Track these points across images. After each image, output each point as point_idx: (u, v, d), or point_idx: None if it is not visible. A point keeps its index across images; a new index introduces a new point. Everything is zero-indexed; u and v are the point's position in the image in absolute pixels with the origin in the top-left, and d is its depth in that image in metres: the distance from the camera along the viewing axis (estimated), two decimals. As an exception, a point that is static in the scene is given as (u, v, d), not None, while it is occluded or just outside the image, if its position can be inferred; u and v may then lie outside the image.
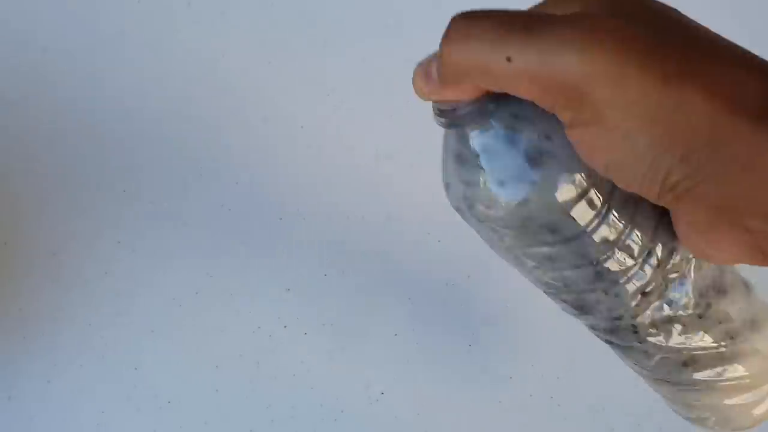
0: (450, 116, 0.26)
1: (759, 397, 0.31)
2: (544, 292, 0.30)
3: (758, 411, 0.32)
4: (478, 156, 0.26)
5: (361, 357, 0.50)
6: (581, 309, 0.29)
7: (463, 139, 0.26)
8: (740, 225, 0.22)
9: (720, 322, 0.29)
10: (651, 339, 0.29)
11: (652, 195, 0.23)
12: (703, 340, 0.29)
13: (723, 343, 0.30)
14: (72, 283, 0.51)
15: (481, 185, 0.26)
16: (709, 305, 0.29)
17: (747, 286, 0.31)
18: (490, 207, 0.26)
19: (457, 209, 0.28)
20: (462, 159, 0.26)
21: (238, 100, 0.55)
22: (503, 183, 0.25)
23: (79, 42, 0.56)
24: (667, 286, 0.28)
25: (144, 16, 0.57)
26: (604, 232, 0.26)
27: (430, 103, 0.54)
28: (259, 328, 0.50)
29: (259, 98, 0.55)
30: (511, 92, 0.23)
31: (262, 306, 0.51)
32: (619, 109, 0.21)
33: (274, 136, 0.54)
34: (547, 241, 0.26)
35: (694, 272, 0.28)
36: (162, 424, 0.48)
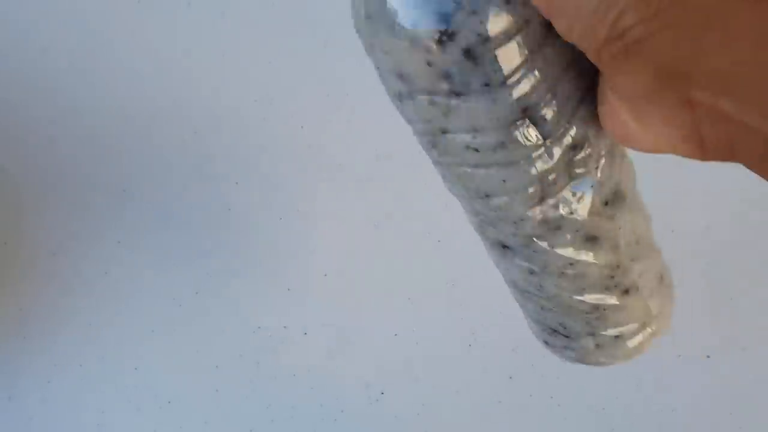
0: None
1: (634, 329, 0.29)
2: (432, 159, 0.26)
3: (632, 343, 0.29)
4: None
5: (361, 357, 0.50)
6: (468, 186, 0.25)
7: None
8: (684, 97, 0.19)
9: (610, 241, 0.26)
10: (538, 241, 0.25)
11: (595, 42, 0.19)
12: (589, 256, 0.26)
13: (608, 265, 0.27)
14: (72, 283, 0.51)
15: (394, 9, 0.21)
16: (603, 217, 0.25)
17: (646, 213, 0.28)
18: (400, 34, 0.21)
19: (359, 30, 0.23)
20: None
21: (238, 100, 0.55)
22: (419, 8, 0.20)
23: (79, 42, 0.56)
24: (569, 181, 0.24)
25: (144, 16, 0.57)
26: (524, 89, 0.21)
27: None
28: (259, 328, 0.50)
29: (259, 98, 0.55)
30: None
31: (262, 306, 0.51)
32: None
33: (274, 136, 0.54)
34: (456, 87, 0.21)
35: (601, 174, 0.24)
36: (162, 424, 0.48)
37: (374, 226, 0.52)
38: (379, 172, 0.53)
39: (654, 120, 0.20)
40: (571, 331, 0.29)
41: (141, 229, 0.52)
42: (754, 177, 0.23)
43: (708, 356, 0.48)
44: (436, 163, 0.25)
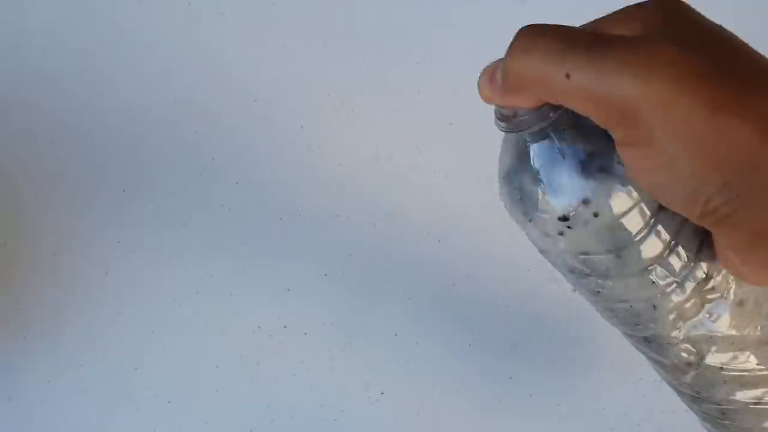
0: (510, 121, 0.27)
1: None
2: (587, 299, 0.31)
3: None
4: (534, 163, 0.27)
5: (361, 357, 0.50)
6: (620, 318, 0.30)
7: (522, 145, 0.27)
8: None
9: (757, 345, 0.30)
10: (684, 355, 0.30)
11: (693, 217, 0.24)
12: (737, 360, 0.30)
13: (760, 366, 0.31)
14: (72, 283, 0.51)
15: (537, 192, 0.27)
16: (745, 327, 0.30)
17: None
18: (545, 213, 0.27)
19: (511, 213, 0.29)
20: (519, 164, 0.27)
21: (238, 100, 0.55)
22: (558, 192, 0.26)
23: (79, 42, 0.56)
24: (704, 305, 0.28)
25: (144, 16, 0.57)
26: (651, 244, 0.27)
27: (428, 105, 0.54)
28: (259, 328, 0.50)
29: (259, 98, 0.55)
30: (568, 106, 0.25)
31: (262, 306, 0.51)
32: (667, 134, 0.23)
33: (274, 136, 0.54)
34: (596, 250, 0.27)
35: (734, 294, 0.29)
36: (162, 424, 0.48)
37: (374, 226, 0.52)
38: (379, 172, 0.53)
39: (756, 264, 0.25)
40: (739, 425, 0.33)
41: (141, 229, 0.52)
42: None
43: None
44: (590, 300, 0.31)
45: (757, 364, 0.30)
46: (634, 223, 0.26)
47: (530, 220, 0.28)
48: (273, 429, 0.48)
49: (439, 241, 0.52)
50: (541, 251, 0.30)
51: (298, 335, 0.50)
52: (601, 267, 0.28)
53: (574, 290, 0.31)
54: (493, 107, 0.28)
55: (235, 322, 0.50)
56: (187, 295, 0.51)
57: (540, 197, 0.27)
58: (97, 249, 0.51)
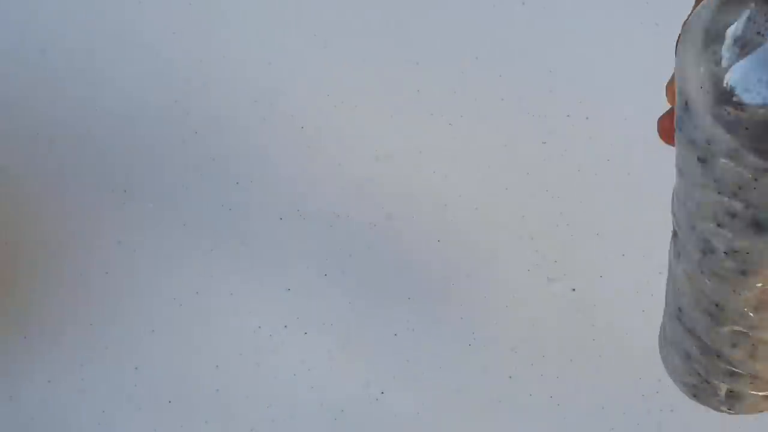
0: None
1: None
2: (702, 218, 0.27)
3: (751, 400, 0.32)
4: (735, 45, 0.23)
5: (361, 357, 0.50)
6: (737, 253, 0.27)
7: (724, 19, 0.23)
8: None
9: None
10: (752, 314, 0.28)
11: None
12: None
13: None
14: (72, 283, 0.51)
15: (727, 74, 0.23)
16: None
17: None
18: (726, 103, 0.23)
19: (687, 94, 0.25)
20: (712, 43, 0.23)
21: (238, 101, 0.55)
22: (755, 82, 0.22)
23: (79, 42, 0.56)
24: None
25: (144, 16, 0.57)
26: None
27: (428, 105, 0.54)
28: (259, 328, 0.50)
29: (258, 98, 0.55)
30: None
31: (262, 306, 0.51)
32: None
33: (274, 136, 0.54)
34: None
35: None
36: (162, 424, 0.48)
37: (374, 226, 0.52)
38: (379, 172, 0.53)
39: None
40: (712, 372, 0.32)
41: (141, 229, 0.52)
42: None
43: (708, 356, 0.48)
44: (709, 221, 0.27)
45: None
46: None
47: (709, 109, 0.23)
48: (273, 429, 0.48)
49: (439, 241, 0.52)
50: (686, 147, 0.25)
51: (298, 335, 0.50)
52: (755, 181, 0.24)
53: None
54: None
55: (235, 322, 0.50)
56: (187, 295, 0.51)
57: (727, 83, 0.23)
58: (97, 249, 0.51)
